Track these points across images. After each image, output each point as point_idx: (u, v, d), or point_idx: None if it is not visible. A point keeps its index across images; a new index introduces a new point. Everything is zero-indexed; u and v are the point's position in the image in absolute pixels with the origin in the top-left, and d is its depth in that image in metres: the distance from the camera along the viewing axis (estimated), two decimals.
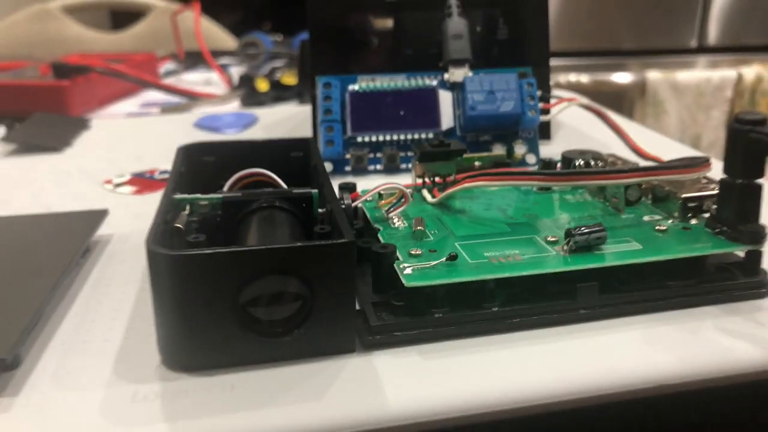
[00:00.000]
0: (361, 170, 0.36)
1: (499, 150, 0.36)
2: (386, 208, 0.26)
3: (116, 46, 1.22)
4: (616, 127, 0.34)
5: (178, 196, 0.23)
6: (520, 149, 0.36)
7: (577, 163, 0.27)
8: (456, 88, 0.37)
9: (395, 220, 0.25)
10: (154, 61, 0.74)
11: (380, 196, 0.27)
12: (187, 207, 0.23)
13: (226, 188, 0.25)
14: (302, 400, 0.18)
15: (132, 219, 0.31)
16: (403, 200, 0.26)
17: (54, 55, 1.09)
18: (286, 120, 0.49)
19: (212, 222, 0.24)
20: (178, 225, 0.22)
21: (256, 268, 0.19)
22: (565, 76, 1.14)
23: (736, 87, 1.14)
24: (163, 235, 0.20)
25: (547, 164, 0.28)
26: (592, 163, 0.27)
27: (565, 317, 0.21)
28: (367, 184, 0.35)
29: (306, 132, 0.44)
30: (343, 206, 0.25)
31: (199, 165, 0.28)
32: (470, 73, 0.37)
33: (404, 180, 0.33)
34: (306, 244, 0.19)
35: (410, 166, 0.35)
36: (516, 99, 0.35)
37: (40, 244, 0.27)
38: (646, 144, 0.32)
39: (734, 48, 1.18)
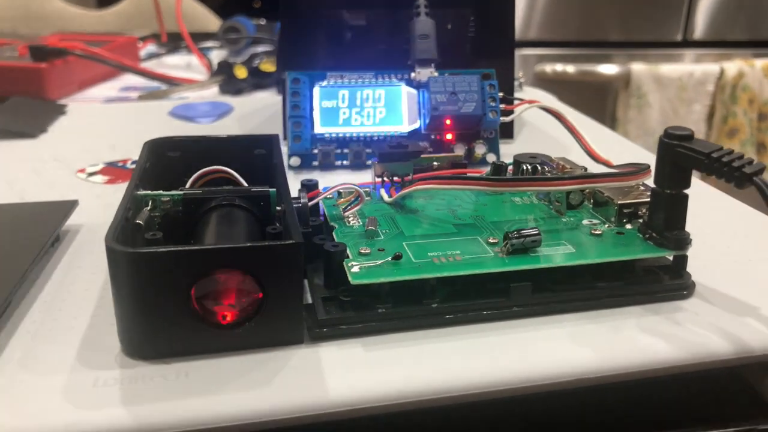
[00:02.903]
0: (328, 165, 0.37)
1: (460, 149, 0.37)
2: (344, 206, 0.28)
3: (99, 23, 1.21)
4: (573, 129, 0.35)
5: (141, 192, 0.24)
6: (480, 149, 0.37)
7: (524, 168, 0.28)
8: (421, 87, 0.38)
9: (351, 219, 0.27)
10: (135, 44, 0.74)
11: (339, 194, 0.28)
12: (150, 202, 0.25)
13: (188, 185, 0.27)
14: (251, 388, 0.20)
15: (103, 209, 0.32)
16: (359, 200, 0.27)
17: (35, 30, 1.08)
18: (261, 111, 0.50)
19: (174, 217, 0.25)
20: (138, 221, 0.23)
21: (209, 266, 0.20)
22: (552, 65, 1.15)
23: (718, 81, 1.16)
24: (124, 232, 0.22)
25: (498, 168, 0.29)
26: (539, 168, 0.28)
27: (499, 314, 0.23)
28: (334, 179, 0.37)
29: (278, 124, 0.45)
30: (300, 205, 0.26)
31: (165, 160, 0.29)
32: (435, 73, 0.38)
33: (369, 176, 0.34)
34: (255, 244, 0.20)
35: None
36: (477, 101, 0.36)
37: (10, 233, 0.28)
38: (602, 146, 0.34)
39: (718, 43, 1.20)
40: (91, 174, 0.37)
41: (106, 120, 0.48)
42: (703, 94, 1.16)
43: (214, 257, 0.20)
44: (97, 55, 0.62)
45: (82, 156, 0.40)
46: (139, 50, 0.76)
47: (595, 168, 0.33)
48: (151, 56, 0.78)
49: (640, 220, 0.26)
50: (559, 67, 1.15)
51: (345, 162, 0.38)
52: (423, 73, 0.38)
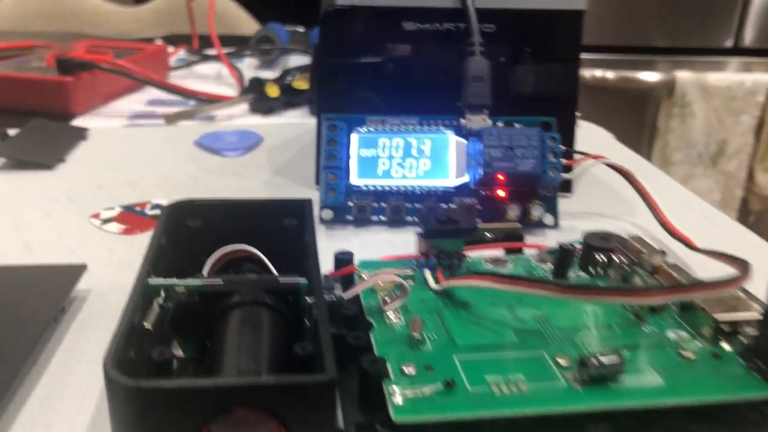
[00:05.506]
0: (363, 220, 0.34)
1: (514, 210, 0.33)
2: (383, 294, 0.24)
3: (134, 20, 1.19)
4: (645, 194, 0.31)
5: (153, 281, 0.21)
6: (537, 211, 0.33)
7: (598, 258, 0.24)
8: (472, 135, 0.34)
9: (391, 315, 0.23)
10: (164, 53, 0.71)
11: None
12: (163, 292, 0.21)
13: (207, 266, 0.23)
14: None
15: (114, 270, 0.29)
16: (401, 292, 0.23)
17: (70, 27, 1.07)
18: (292, 141, 0.47)
19: (190, 305, 0.22)
20: (147, 326, 0.20)
21: (225, 403, 0.16)
22: (591, 71, 1.09)
23: None
24: (128, 342, 0.18)
25: (566, 253, 0.25)
26: (615, 259, 0.24)
27: None
28: (369, 237, 0.33)
29: (309, 159, 0.42)
30: (335, 299, 0.22)
31: (184, 229, 0.25)
32: (489, 121, 0.34)
33: (408, 234, 0.30)
34: (281, 381, 0.17)
35: (416, 219, 0.32)
36: (537, 156, 0.32)
37: (14, 303, 0.25)
38: (675, 206, 0.29)
39: None
40: (105, 221, 0.34)
41: (128, 149, 0.45)
42: (753, 104, 1.09)
43: (233, 394, 0.16)
44: (125, 69, 0.59)
45: (98, 194, 0.37)
46: (168, 58, 0.73)
47: (668, 242, 0.30)
48: (182, 64, 0.75)
49: (740, 338, 0.21)
50: (598, 73, 1.10)
51: (382, 217, 0.34)
52: (474, 120, 0.34)
